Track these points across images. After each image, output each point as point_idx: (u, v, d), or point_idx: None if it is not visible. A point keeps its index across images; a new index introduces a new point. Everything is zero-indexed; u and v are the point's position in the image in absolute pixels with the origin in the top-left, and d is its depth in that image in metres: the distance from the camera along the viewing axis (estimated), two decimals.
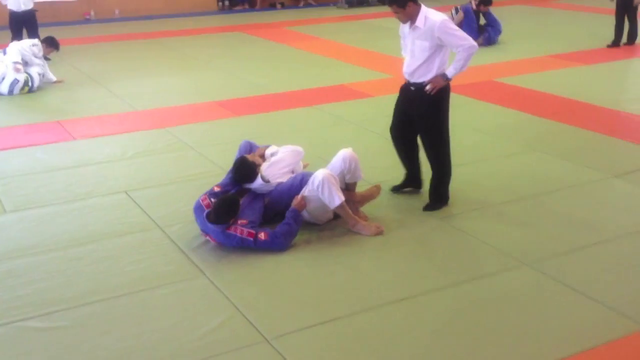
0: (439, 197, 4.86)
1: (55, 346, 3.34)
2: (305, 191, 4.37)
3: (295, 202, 4.34)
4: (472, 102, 7.64)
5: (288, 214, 4.31)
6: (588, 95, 7.66)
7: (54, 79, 8.96)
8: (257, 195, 4.55)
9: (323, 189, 4.29)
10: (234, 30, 13.44)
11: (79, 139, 6.61)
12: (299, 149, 4.77)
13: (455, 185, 5.20)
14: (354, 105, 7.41)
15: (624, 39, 10.63)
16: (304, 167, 4.86)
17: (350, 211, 4.43)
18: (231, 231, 4.20)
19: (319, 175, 4.33)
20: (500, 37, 11.18)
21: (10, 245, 4.42)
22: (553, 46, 10.78)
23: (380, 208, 4.81)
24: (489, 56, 10.26)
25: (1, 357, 3.28)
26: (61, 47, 9.36)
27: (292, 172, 4.67)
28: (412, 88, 4.71)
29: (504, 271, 3.95)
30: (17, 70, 8.35)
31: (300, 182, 4.47)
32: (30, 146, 6.41)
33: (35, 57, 8.63)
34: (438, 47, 4.53)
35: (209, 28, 14.02)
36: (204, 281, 3.92)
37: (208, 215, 4.27)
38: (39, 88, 8.64)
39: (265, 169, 4.53)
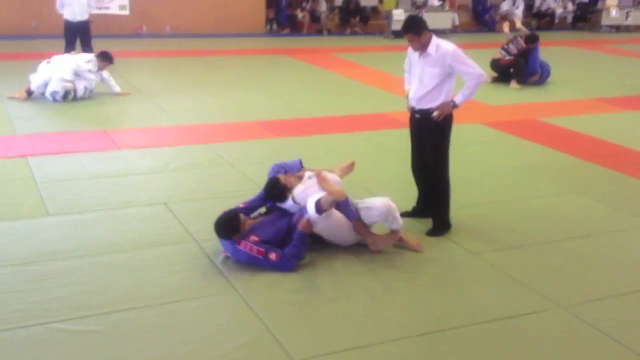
0: (443, 223, 4.94)
1: (86, 350, 3.40)
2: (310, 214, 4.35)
3: (300, 224, 4.33)
4: (513, 139, 7.60)
5: (294, 235, 4.32)
6: (633, 142, 7.56)
7: (118, 90, 9.09)
8: (285, 214, 4.57)
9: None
10: (279, 53, 13.63)
11: (124, 149, 6.75)
12: (336, 179, 4.62)
13: (492, 221, 5.18)
14: (393, 134, 7.43)
15: None
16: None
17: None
18: (241, 247, 4.26)
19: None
20: (549, 78, 11.10)
21: (50, 247, 4.53)
22: (600, 90, 10.67)
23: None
24: (534, 95, 10.22)
25: (33, 356, 3.35)
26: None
27: None
28: (418, 116, 4.83)
29: (538, 312, 3.90)
30: (64, 87, 8.56)
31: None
32: (77, 152, 6.57)
33: (90, 72, 8.84)
34: (447, 74, 4.67)
35: (255, 50, 14.25)
36: (235, 297, 3.95)
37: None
38: (91, 98, 8.86)
39: (298, 192, 4.54)
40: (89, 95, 8.93)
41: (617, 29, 19.12)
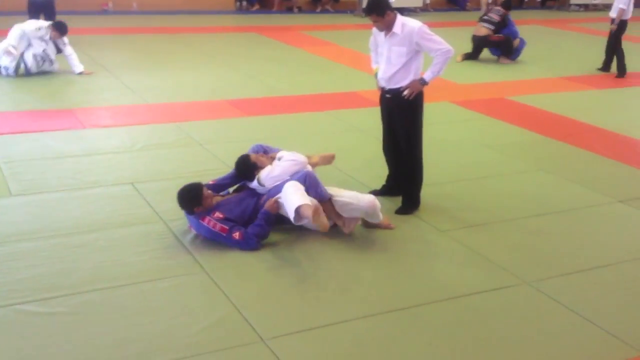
0: (413, 201, 4.96)
1: (51, 331, 3.36)
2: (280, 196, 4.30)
3: (268, 204, 4.31)
4: (482, 118, 7.65)
5: (260, 215, 4.31)
6: (598, 120, 7.66)
7: (79, 70, 8.85)
8: (253, 194, 4.54)
9: (286, 198, 4.17)
10: (250, 31, 13.49)
11: (89, 128, 6.65)
12: (302, 159, 4.60)
13: (460, 199, 5.22)
14: (364, 113, 7.43)
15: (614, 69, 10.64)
16: (314, 165, 4.79)
17: (318, 214, 4.11)
18: (204, 222, 4.25)
19: (285, 186, 4.23)
20: (519, 57, 11.19)
21: (13, 228, 4.45)
22: (567, 68, 10.78)
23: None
24: (503, 74, 10.29)
25: None
26: (77, 37, 9.42)
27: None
28: (388, 95, 4.84)
29: (503, 288, 3.95)
30: (9, 54, 8.38)
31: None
32: (40, 132, 6.45)
33: (41, 40, 8.59)
34: (415, 52, 4.68)
35: (225, 27, 14.08)
36: (204, 277, 3.93)
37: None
38: (55, 74, 8.70)
39: (264, 175, 4.51)
40: (49, 68, 8.74)
41: (586, 7, 19.26)
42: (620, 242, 4.67)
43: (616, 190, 5.55)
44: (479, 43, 11.11)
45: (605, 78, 10.23)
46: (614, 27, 10.31)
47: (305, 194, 4.22)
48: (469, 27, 12.12)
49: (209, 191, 4.39)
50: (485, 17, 11.16)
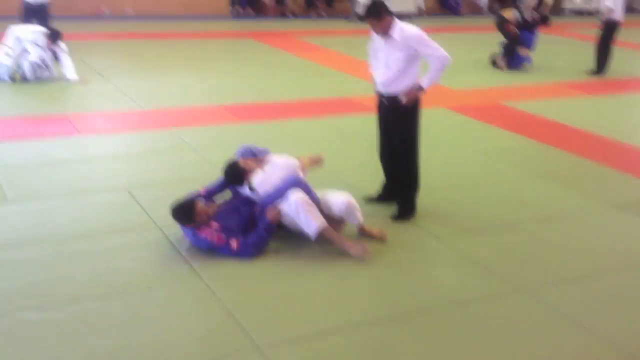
0: (409, 208, 4.96)
1: (47, 339, 3.35)
2: (284, 206, 4.28)
3: (269, 213, 4.28)
4: (476, 123, 7.67)
5: (260, 223, 4.29)
6: (593, 126, 7.69)
7: (72, 78, 8.79)
8: (247, 202, 4.52)
9: (298, 214, 4.21)
10: (244, 37, 13.51)
11: (85, 134, 6.64)
12: (292, 162, 4.61)
13: (457, 205, 5.23)
14: (359, 119, 7.44)
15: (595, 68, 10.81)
16: (304, 168, 4.74)
17: (334, 233, 4.28)
18: (201, 233, 4.23)
19: (292, 198, 4.22)
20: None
21: (8, 235, 4.43)
22: (562, 74, 10.82)
23: (373, 224, 4.80)
24: (498, 80, 10.32)
25: None
26: (72, 42, 9.40)
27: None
28: (385, 101, 4.85)
29: (500, 295, 3.96)
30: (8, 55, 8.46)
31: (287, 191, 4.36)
32: (37, 137, 6.43)
33: (36, 45, 8.60)
34: (412, 58, 4.69)
35: (220, 32, 14.09)
36: (200, 284, 3.92)
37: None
38: (50, 81, 8.69)
39: (256, 181, 4.49)
40: (47, 76, 8.73)
41: (581, 13, 19.36)
42: (615, 249, 4.67)
43: (611, 197, 5.57)
44: (499, 20, 11.09)
45: (600, 84, 10.28)
46: (602, 26, 10.42)
47: (317, 210, 4.21)
48: (463, 33, 12.21)
49: (204, 206, 4.34)
50: (520, 8, 11.12)
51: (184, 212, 4.28)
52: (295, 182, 4.35)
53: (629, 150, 7.01)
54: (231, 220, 4.35)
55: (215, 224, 4.27)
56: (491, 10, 19.29)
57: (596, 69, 10.69)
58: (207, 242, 4.23)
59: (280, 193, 4.35)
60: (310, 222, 4.17)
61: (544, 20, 11.10)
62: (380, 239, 4.56)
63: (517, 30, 10.86)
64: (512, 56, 10.97)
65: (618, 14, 10.42)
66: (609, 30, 10.50)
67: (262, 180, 4.47)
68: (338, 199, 4.43)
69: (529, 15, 10.96)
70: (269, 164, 4.60)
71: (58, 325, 3.47)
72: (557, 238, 4.78)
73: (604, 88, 9.99)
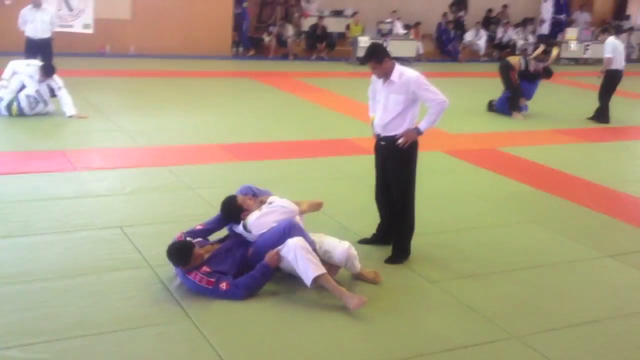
0: (403, 251, 4.94)
1: None
2: (282, 250, 4.23)
3: (268, 256, 4.22)
4: (472, 168, 7.69)
5: (258, 266, 4.24)
6: (588, 173, 7.71)
7: (70, 113, 8.79)
8: (241, 243, 4.48)
9: (297, 261, 4.15)
10: (245, 76, 13.63)
11: (80, 170, 6.63)
12: (292, 208, 4.52)
13: (452, 250, 5.21)
14: (356, 161, 7.46)
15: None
16: (302, 212, 4.69)
17: (332, 282, 4.17)
18: (190, 276, 4.19)
19: (291, 243, 4.16)
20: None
21: None
22: (558, 121, 10.90)
23: (367, 266, 4.75)
24: (494, 125, 10.39)
25: None
26: (73, 79, 9.47)
27: None
28: (383, 143, 4.87)
29: (492, 342, 3.91)
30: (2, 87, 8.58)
31: (283, 234, 4.29)
32: (31, 173, 6.42)
33: (31, 78, 8.67)
34: (411, 101, 4.73)
35: (221, 72, 14.23)
36: (189, 325, 3.87)
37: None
38: (48, 115, 8.74)
39: (252, 220, 4.45)
40: (43, 110, 8.77)
41: (576, 61, 19.62)
42: (609, 297, 4.64)
43: (606, 245, 5.55)
44: (504, 66, 11.12)
45: (596, 131, 10.35)
46: (601, 75, 10.58)
47: (317, 259, 4.16)
48: (462, 78, 12.32)
49: (200, 251, 4.29)
50: (526, 57, 11.20)
51: (181, 255, 4.22)
52: (290, 227, 4.31)
53: (622, 198, 7.02)
54: (224, 264, 4.30)
55: (206, 268, 4.22)
56: (489, 56, 19.55)
57: (599, 117, 10.79)
58: (195, 284, 4.19)
59: (274, 237, 4.31)
60: (308, 271, 4.11)
61: (546, 73, 11.16)
62: (374, 282, 4.52)
63: (517, 80, 10.95)
64: (518, 107, 11.00)
65: (618, 64, 10.60)
66: (610, 79, 10.66)
67: (257, 221, 4.44)
68: (339, 249, 4.38)
69: (534, 65, 11.05)
70: (267, 204, 4.56)
71: None
72: (550, 285, 4.74)
73: (599, 136, 10.06)
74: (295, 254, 4.13)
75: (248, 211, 4.52)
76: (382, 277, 4.57)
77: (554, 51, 12.58)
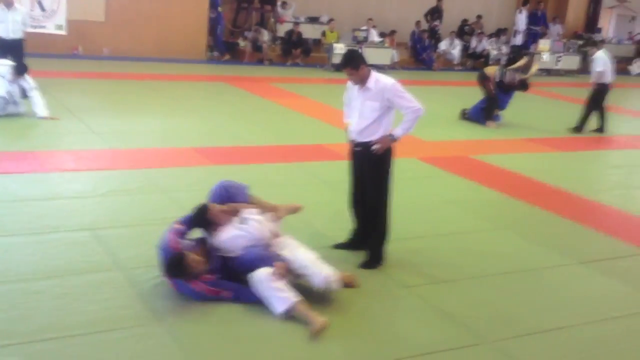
0: (377, 256, 4.96)
1: None
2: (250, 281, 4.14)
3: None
4: (445, 175, 7.75)
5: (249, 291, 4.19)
6: (560, 181, 7.82)
7: (42, 114, 8.67)
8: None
9: (263, 297, 4.05)
10: (220, 81, 13.58)
11: (52, 172, 6.54)
12: (263, 235, 4.40)
13: (426, 255, 5.23)
14: (331, 166, 7.47)
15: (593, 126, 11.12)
16: (279, 218, 4.66)
17: (301, 310, 4.00)
18: (193, 286, 4.13)
19: (255, 279, 4.08)
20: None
21: None
22: (529, 130, 11.04)
23: (344, 270, 4.78)
24: (467, 133, 10.48)
25: None
26: (46, 80, 9.35)
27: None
28: (358, 149, 4.90)
29: (465, 347, 3.94)
30: None
31: (254, 261, 4.20)
32: (1, 174, 6.31)
33: (4, 79, 8.56)
34: (387, 108, 4.76)
35: (195, 76, 14.16)
36: (160, 329, 3.83)
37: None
38: (19, 116, 8.61)
39: (222, 239, 4.34)
40: (14, 111, 8.64)
41: (548, 72, 19.91)
42: (579, 304, 4.71)
43: (576, 252, 5.62)
44: (481, 75, 11.25)
45: (567, 140, 10.51)
46: (592, 89, 10.77)
47: (283, 288, 4.05)
48: (436, 87, 12.40)
49: (196, 257, 4.18)
50: (504, 69, 11.28)
51: (179, 268, 4.12)
52: (259, 260, 4.20)
53: (593, 206, 7.13)
54: (212, 261, 4.27)
55: (209, 277, 4.17)
56: (463, 66, 19.75)
57: (577, 125, 10.97)
58: (199, 294, 4.13)
59: (248, 257, 4.26)
60: (273, 306, 4.02)
61: (522, 86, 11.28)
62: (351, 286, 4.50)
63: (494, 90, 11.06)
64: (492, 116, 11.11)
65: (608, 77, 10.83)
66: (600, 92, 10.88)
67: (227, 242, 4.33)
68: (318, 277, 4.21)
69: (510, 77, 11.15)
70: (240, 221, 4.43)
71: None
72: (522, 291, 4.79)
73: (571, 145, 10.21)
74: (261, 290, 4.06)
75: (219, 225, 4.39)
76: (359, 280, 4.58)
77: (534, 66, 12.69)
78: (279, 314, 4.00)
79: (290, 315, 4.00)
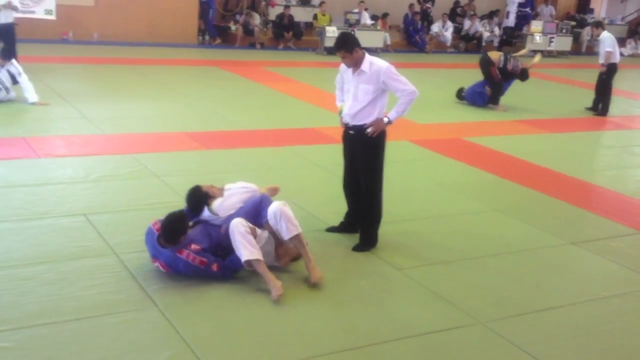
0: (370, 238, 4.96)
1: None
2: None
3: None
4: (438, 157, 7.75)
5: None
6: (553, 163, 7.83)
7: (32, 100, 8.63)
8: (213, 225, 4.50)
9: (234, 242, 4.16)
10: (211, 65, 13.50)
11: (43, 157, 6.50)
12: (251, 186, 4.69)
13: (418, 237, 5.25)
14: (324, 150, 7.46)
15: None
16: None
17: (263, 268, 4.12)
18: (182, 255, 4.15)
19: (232, 225, 4.19)
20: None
21: None
22: (522, 112, 11.04)
23: (334, 254, 4.79)
24: (461, 115, 10.48)
25: None
26: (36, 65, 9.28)
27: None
28: (352, 132, 4.88)
29: (458, 328, 3.96)
30: None
31: (257, 209, 4.46)
32: None
33: None
34: (381, 91, 4.75)
35: (186, 60, 14.07)
36: (155, 313, 3.83)
37: (159, 239, 4.22)
38: (10, 101, 8.54)
39: (217, 204, 4.49)
40: (5, 97, 8.60)
41: (541, 53, 19.88)
42: (571, 283, 4.74)
43: (569, 233, 5.65)
44: (484, 60, 11.18)
45: (561, 122, 10.51)
46: (604, 69, 10.77)
47: (253, 242, 4.17)
48: (429, 69, 12.37)
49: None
50: (508, 56, 11.21)
51: (179, 224, 4.19)
52: (261, 201, 4.50)
53: (586, 187, 7.15)
54: (204, 242, 4.29)
55: (195, 246, 4.20)
56: (456, 48, 19.70)
57: (600, 111, 11.00)
58: (187, 264, 4.15)
59: (249, 214, 4.42)
60: (240, 251, 4.14)
61: (523, 75, 11.24)
62: (312, 283, 4.29)
63: (499, 76, 11.01)
64: (497, 100, 11.08)
65: (617, 57, 10.84)
66: (610, 72, 10.88)
67: (223, 204, 4.48)
68: (269, 209, 4.40)
69: (512, 64, 11.09)
70: (226, 190, 4.63)
71: (7, 353, 3.35)
72: (514, 272, 4.82)
73: (565, 126, 10.21)
74: (234, 236, 4.17)
75: (213, 197, 4.54)
76: (320, 274, 4.32)
77: (536, 57, 12.64)
78: (243, 262, 4.12)
79: (251, 267, 4.13)
